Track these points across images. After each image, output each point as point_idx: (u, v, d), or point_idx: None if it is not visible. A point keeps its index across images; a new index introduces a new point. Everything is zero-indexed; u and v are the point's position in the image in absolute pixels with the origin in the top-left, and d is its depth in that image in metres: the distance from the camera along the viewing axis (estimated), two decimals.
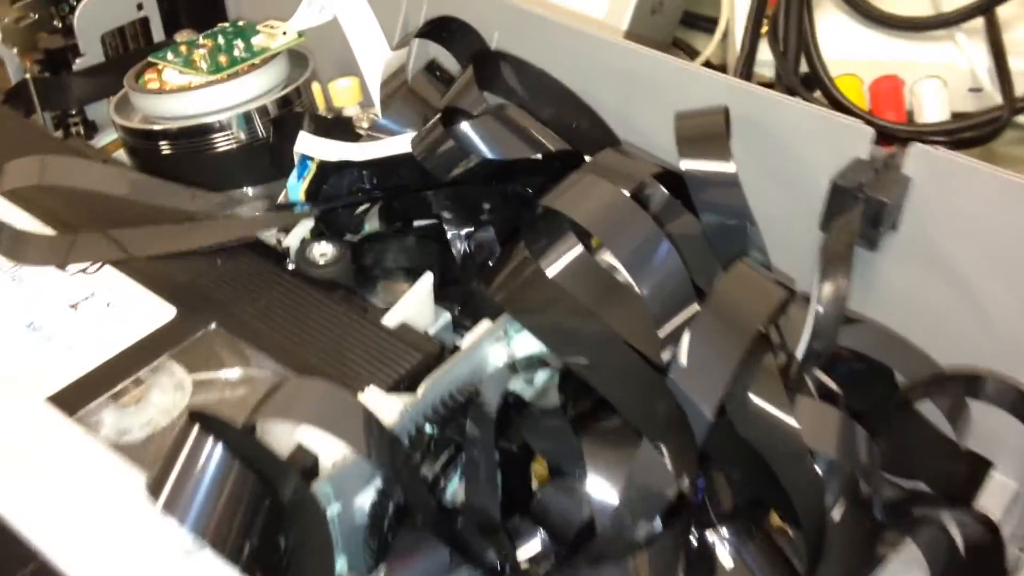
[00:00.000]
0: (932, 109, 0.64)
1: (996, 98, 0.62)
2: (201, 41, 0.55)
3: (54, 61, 0.60)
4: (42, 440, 0.35)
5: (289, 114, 0.52)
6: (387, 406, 0.36)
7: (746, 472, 0.38)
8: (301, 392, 0.32)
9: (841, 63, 0.65)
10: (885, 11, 0.66)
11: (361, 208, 0.50)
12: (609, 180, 0.40)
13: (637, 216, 0.38)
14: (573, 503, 0.36)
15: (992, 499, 0.42)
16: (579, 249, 0.40)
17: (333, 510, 0.34)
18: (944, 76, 0.65)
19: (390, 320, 0.42)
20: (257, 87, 0.52)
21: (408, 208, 0.51)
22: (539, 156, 0.44)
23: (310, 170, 0.48)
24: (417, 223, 0.51)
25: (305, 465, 0.35)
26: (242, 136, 0.52)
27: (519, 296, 0.40)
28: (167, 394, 0.39)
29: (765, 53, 0.65)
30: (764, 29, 0.66)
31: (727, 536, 0.36)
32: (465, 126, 0.42)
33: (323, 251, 0.46)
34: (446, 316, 0.45)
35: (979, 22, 0.63)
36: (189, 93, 0.51)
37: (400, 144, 0.47)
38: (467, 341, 0.40)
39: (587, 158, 0.46)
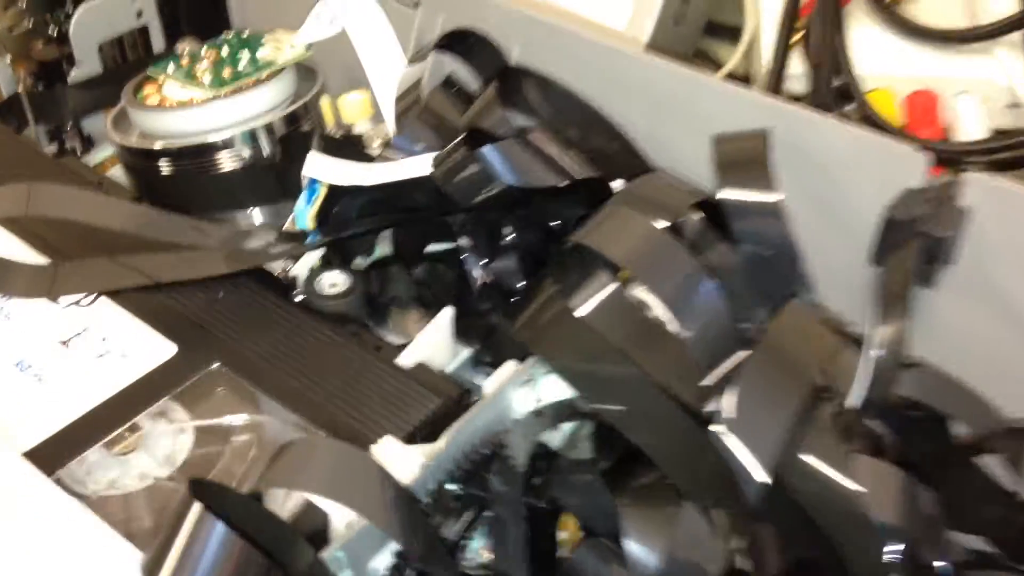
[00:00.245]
0: (970, 126, 0.61)
1: None
2: (204, 53, 0.52)
3: (48, 72, 0.57)
4: (23, 500, 0.32)
5: (297, 133, 0.49)
6: (405, 461, 0.33)
7: (795, 532, 0.35)
8: (311, 456, 0.29)
9: (873, 77, 0.62)
10: (920, 23, 0.63)
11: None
12: (645, 211, 0.37)
13: (677, 253, 0.35)
14: (609, 570, 0.33)
15: None
16: (612, 287, 0.36)
17: None
18: (981, 91, 0.62)
19: (406, 360, 0.39)
20: (263, 103, 0.49)
21: (423, 232, 0.47)
22: (568, 183, 0.40)
23: (319, 194, 0.45)
24: (432, 247, 0.48)
25: (315, 525, 0.32)
26: (247, 155, 0.49)
27: (546, 336, 0.37)
28: (166, 442, 0.36)
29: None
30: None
31: None
32: (490, 149, 0.39)
33: (333, 281, 0.43)
34: (465, 353, 0.42)
35: (1018, 36, 0.60)
36: (190, 109, 0.48)
37: (416, 167, 0.44)
38: (490, 385, 0.37)
39: (616, 183, 0.43)
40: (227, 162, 0.49)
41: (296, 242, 0.42)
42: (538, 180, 0.40)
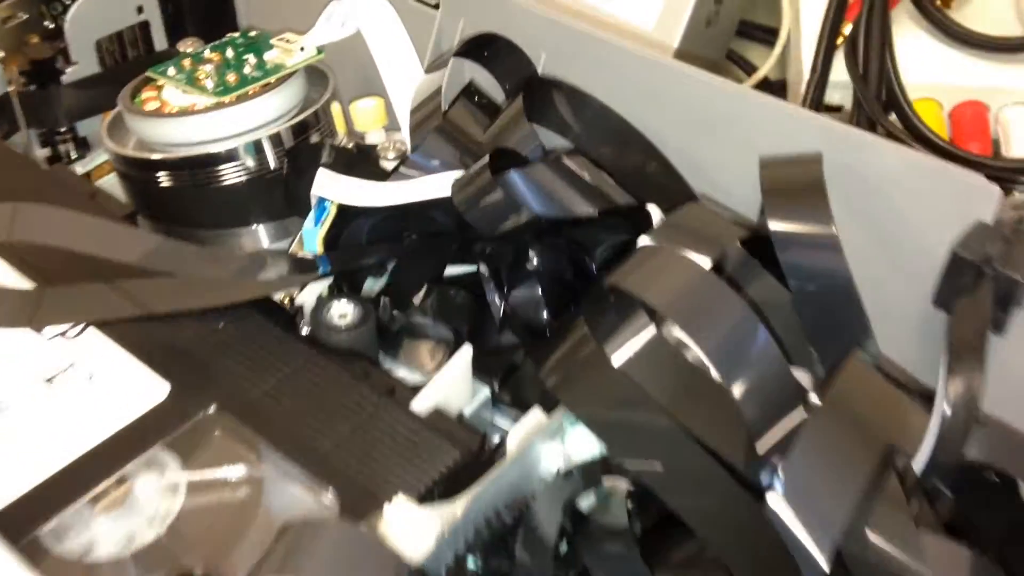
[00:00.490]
0: (1023, 140, 0.57)
1: None
2: (207, 55, 0.48)
3: (41, 71, 0.53)
4: None
5: (306, 145, 0.46)
6: (420, 527, 0.30)
7: None
8: (314, 543, 0.25)
9: (916, 86, 0.59)
10: (971, 30, 0.59)
11: None
12: (689, 246, 0.34)
13: (726, 299, 0.31)
14: None
15: None
16: (652, 331, 0.33)
17: None
18: None
19: (421, 404, 0.35)
20: (270, 111, 0.46)
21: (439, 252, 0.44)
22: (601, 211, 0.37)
23: (329, 213, 0.42)
24: (448, 270, 0.44)
25: None
26: (252, 167, 0.45)
27: (577, 384, 0.34)
28: (155, 498, 0.32)
29: None
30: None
31: None
32: (517, 175, 0.36)
33: (342, 312, 0.39)
34: (484, 392, 0.39)
35: None
36: (192, 117, 0.45)
37: (433, 187, 0.40)
38: (515, 438, 0.33)
39: (651, 207, 0.39)
40: (230, 175, 0.45)
41: (308, 271, 0.39)
42: (570, 210, 0.36)
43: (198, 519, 0.32)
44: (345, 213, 0.41)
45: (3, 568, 0.28)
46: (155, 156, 0.45)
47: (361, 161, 0.45)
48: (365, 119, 0.50)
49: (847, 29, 0.58)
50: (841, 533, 0.28)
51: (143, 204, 0.46)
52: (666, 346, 0.33)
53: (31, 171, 0.45)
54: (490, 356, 0.39)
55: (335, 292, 0.41)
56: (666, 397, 0.32)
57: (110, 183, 0.50)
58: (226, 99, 0.45)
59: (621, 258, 0.40)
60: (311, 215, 0.42)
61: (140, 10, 0.56)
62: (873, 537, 0.28)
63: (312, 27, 0.48)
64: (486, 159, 0.37)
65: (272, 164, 0.45)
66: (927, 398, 0.35)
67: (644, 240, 0.34)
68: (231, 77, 0.46)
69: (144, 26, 0.57)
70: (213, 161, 0.45)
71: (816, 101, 0.57)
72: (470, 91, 0.46)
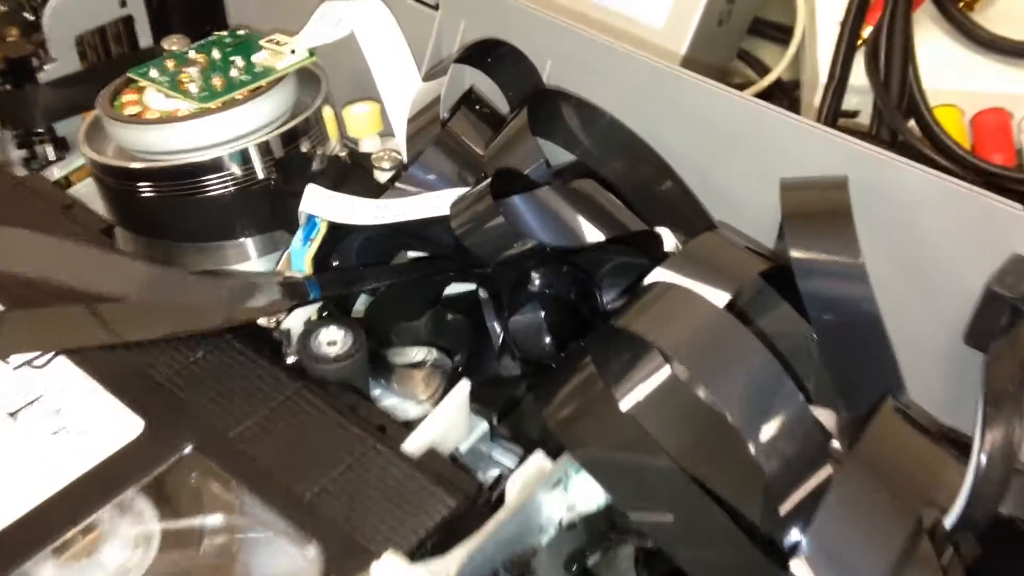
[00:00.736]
0: None
1: None
2: (192, 56, 0.45)
3: (17, 70, 0.50)
4: None
5: (296, 155, 0.43)
6: None
7: None
8: None
9: (938, 92, 0.56)
10: (995, 34, 0.56)
11: None
12: (705, 280, 0.31)
13: (745, 344, 0.29)
14: None
15: None
16: (665, 373, 0.30)
17: None
18: None
19: (414, 444, 0.33)
20: (258, 118, 0.43)
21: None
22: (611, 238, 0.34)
23: (319, 231, 0.39)
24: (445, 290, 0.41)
25: None
26: (239, 177, 0.43)
27: (581, 427, 0.31)
28: (126, 549, 0.30)
29: None
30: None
31: None
32: (521, 201, 0.33)
33: (331, 338, 0.36)
34: (482, 427, 0.37)
35: None
36: (175, 125, 0.42)
37: (430, 205, 0.38)
38: (514, 486, 0.31)
39: (662, 230, 0.36)
40: (216, 185, 0.43)
41: (297, 296, 0.36)
42: (577, 239, 0.34)
43: (171, 571, 0.30)
44: (336, 231, 0.39)
45: None
46: (135, 165, 0.42)
47: (354, 172, 0.42)
48: (359, 125, 0.47)
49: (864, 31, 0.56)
50: None
51: (123, 214, 0.44)
52: (680, 390, 0.30)
53: (3, 180, 0.43)
54: (489, 387, 0.37)
55: (324, 315, 0.38)
56: (678, 445, 0.30)
57: (90, 187, 0.48)
58: (212, 106, 0.42)
59: (627, 278, 0.38)
60: (299, 233, 0.39)
61: (123, 3, 0.53)
62: None
63: (304, 27, 0.45)
64: (487, 182, 0.34)
65: (260, 174, 0.43)
66: (951, 440, 0.33)
67: (657, 274, 0.31)
68: (217, 81, 0.43)
69: (128, 21, 0.54)
70: (197, 171, 0.42)
71: (834, 109, 0.54)
72: (471, 99, 0.43)
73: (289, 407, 0.34)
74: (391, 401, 0.39)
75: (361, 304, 0.40)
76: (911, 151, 0.51)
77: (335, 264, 0.39)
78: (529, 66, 0.42)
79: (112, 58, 0.53)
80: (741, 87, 0.61)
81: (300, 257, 0.39)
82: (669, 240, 0.36)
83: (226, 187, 0.43)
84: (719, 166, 0.39)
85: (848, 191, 0.35)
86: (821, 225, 0.34)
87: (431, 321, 0.40)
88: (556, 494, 0.31)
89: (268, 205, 0.43)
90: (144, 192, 0.43)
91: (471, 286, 0.40)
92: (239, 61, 0.44)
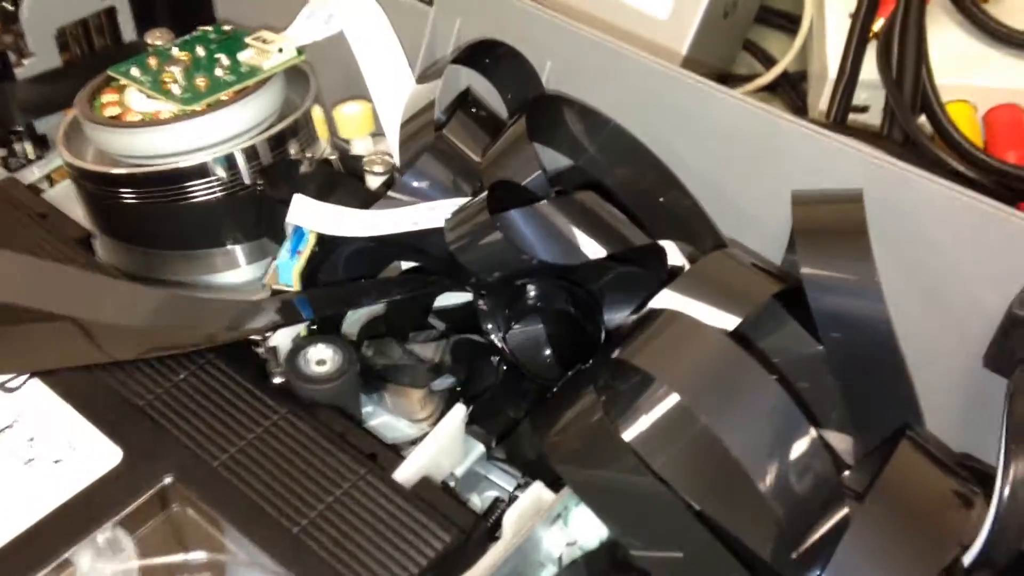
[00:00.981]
0: None
1: None
2: (175, 54, 0.43)
3: None
4: None
5: (283, 161, 0.41)
6: None
7: None
8: None
9: (950, 87, 0.54)
10: (1010, 27, 0.54)
11: None
12: (713, 303, 0.29)
13: (755, 379, 0.27)
14: None
15: None
16: (670, 403, 0.29)
17: None
18: None
19: (407, 473, 0.31)
20: (244, 121, 0.41)
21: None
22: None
23: (307, 243, 0.37)
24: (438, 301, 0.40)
25: None
26: (225, 183, 0.41)
27: (582, 459, 0.30)
28: None
29: None
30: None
31: None
32: (519, 216, 0.31)
33: (320, 357, 0.35)
34: (478, 450, 0.35)
35: None
36: (156, 129, 0.40)
37: (424, 216, 0.36)
38: (511, 520, 0.30)
39: (666, 244, 0.35)
40: (200, 191, 0.41)
41: (287, 314, 0.34)
42: (577, 256, 0.32)
43: None
44: (326, 243, 0.37)
45: None
46: (116, 170, 0.40)
47: (344, 179, 0.41)
48: (350, 125, 0.45)
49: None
50: None
51: (103, 221, 0.42)
52: (686, 421, 0.29)
53: None
54: (486, 407, 0.35)
55: (312, 332, 0.36)
56: (683, 479, 0.28)
57: (71, 188, 0.46)
58: (195, 109, 0.40)
59: (629, 290, 0.37)
60: (286, 244, 0.37)
61: None
62: None
63: (292, 23, 0.43)
64: (484, 196, 0.32)
65: (247, 179, 0.41)
66: (968, 468, 0.31)
67: (664, 297, 0.30)
68: (200, 81, 0.41)
69: (111, 12, 0.52)
70: (181, 177, 0.40)
71: (844, 106, 0.52)
72: (467, 101, 0.41)
73: (275, 434, 0.32)
74: (383, 419, 0.37)
75: (351, 317, 0.39)
76: (922, 151, 0.49)
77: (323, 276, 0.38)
78: (528, 68, 0.40)
79: (96, 51, 0.51)
80: (746, 79, 0.59)
81: (288, 270, 0.37)
82: (674, 254, 0.35)
83: (211, 193, 0.41)
84: (727, 175, 0.37)
85: (863, 205, 0.33)
86: (834, 241, 0.33)
87: (427, 337, 0.38)
88: (555, 529, 0.30)
89: (255, 210, 0.41)
90: (126, 198, 0.41)
91: (467, 296, 0.38)
92: (224, 60, 0.42)
